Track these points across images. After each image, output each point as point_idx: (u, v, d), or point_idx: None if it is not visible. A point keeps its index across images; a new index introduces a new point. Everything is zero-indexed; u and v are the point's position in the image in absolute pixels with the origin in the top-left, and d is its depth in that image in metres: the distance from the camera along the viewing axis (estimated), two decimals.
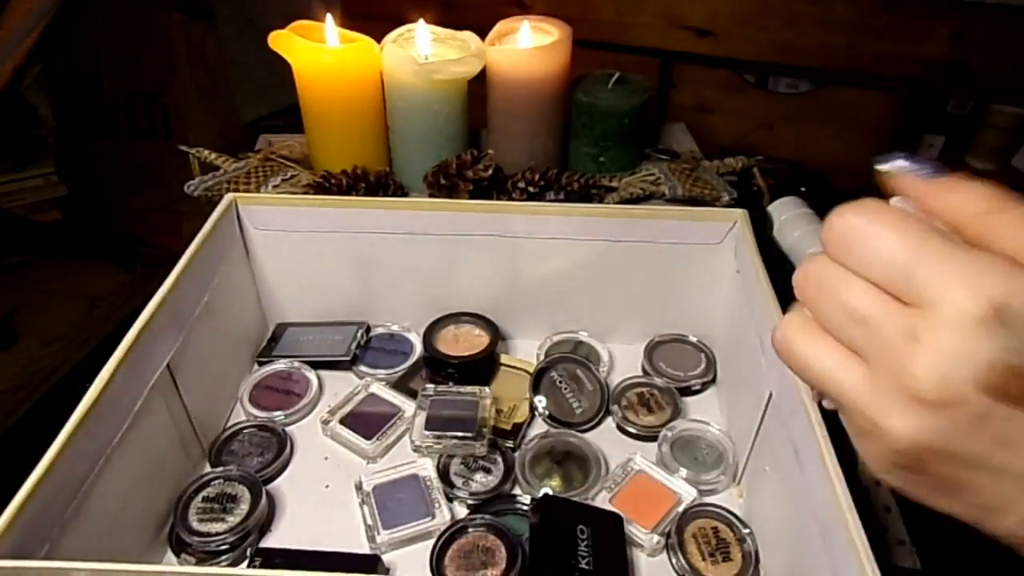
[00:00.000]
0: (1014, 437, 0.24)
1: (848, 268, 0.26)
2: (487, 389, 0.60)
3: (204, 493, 0.52)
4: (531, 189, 0.74)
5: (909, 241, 0.24)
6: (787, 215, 0.87)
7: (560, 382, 0.64)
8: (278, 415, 0.61)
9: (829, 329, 0.27)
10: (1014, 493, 0.24)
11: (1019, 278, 0.23)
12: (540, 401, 0.62)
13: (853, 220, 0.26)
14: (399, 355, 0.68)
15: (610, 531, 0.50)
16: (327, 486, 0.57)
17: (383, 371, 0.66)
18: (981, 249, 0.24)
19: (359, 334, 0.67)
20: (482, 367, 0.64)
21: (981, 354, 0.23)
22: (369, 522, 0.52)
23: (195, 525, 0.50)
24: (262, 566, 0.49)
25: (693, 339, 0.69)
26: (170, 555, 0.51)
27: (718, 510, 0.54)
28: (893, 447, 0.25)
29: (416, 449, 0.57)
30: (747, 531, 0.52)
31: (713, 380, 0.66)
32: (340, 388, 0.64)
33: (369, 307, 0.69)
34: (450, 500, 0.54)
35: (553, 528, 0.49)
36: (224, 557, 0.50)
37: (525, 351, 0.69)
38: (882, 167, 0.28)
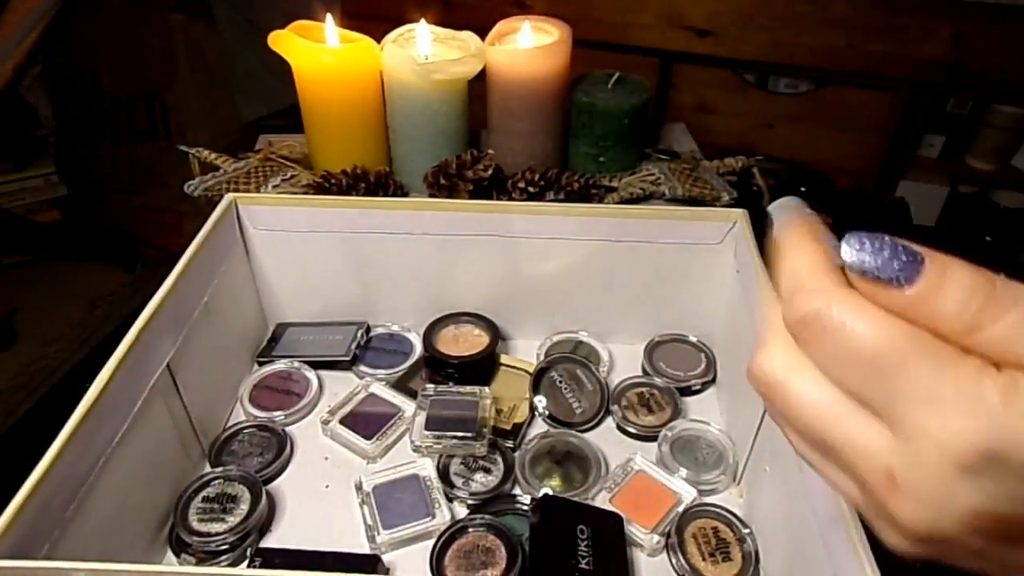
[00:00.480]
0: (1017, 565, 0.22)
1: (811, 368, 0.23)
2: (487, 389, 0.60)
3: (204, 493, 0.52)
4: (531, 189, 0.74)
5: (889, 348, 0.21)
6: (787, 215, 0.86)
7: (560, 382, 0.64)
8: (278, 415, 0.61)
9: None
10: None
11: (1008, 415, 0.20)
12: (540, 401, 0.62)
13: (820, 308, 0.22)
14: (399, 355, 0.68)
15: (610, 531, 0.50)
16: (327, 486, 0.57)
17: (383, 371, 0.66)
18: (974, 367, 0.20)
19: (359, 334, 0.68)
20: (482, 367, 0.64)
21: (964, 502, 0.21)
22: (369, 522, 0.52)
23: (195, 525, 0.50)
24: (262, 566, 0.49)
25: (693, 339, 0.69)
26: (170, 555, 0.51)
27: (718, 510, 0.54)
28: (899, 549, 0.23)
29: (416, 449, 0.57)
30: (747, 531, 0.52)
31: (713, 380, 0.66)
32: (340, 388, 0.64)
33: (369, 307, 0.69)
34: (450, 500, 0.54)
35: (553, 528, 0.49)
36: (224, 557, 0.50)
37: (525, 351, 0.69)
38: (847, 259, 0.22)
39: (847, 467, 0.23)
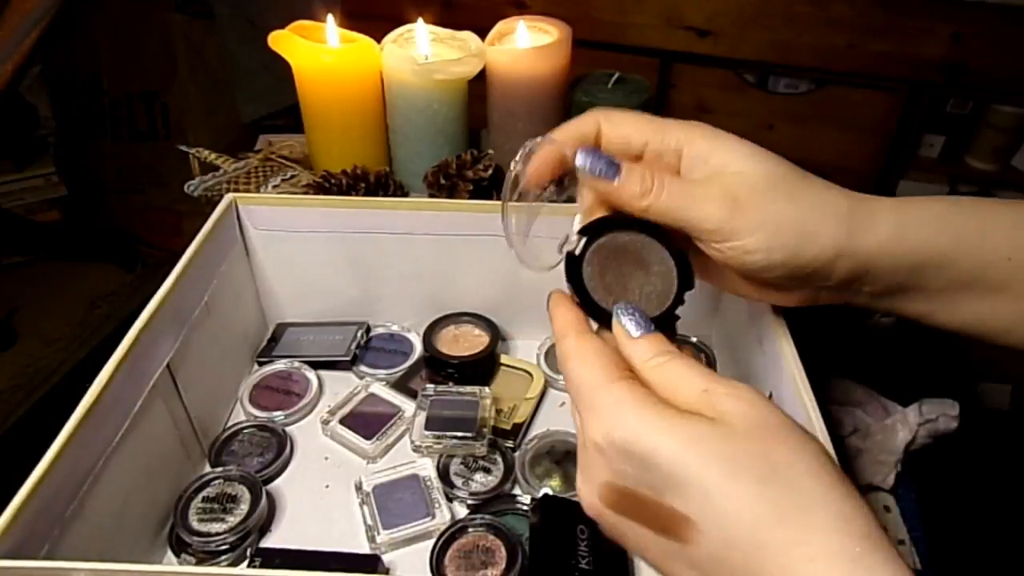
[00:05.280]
0: (640, 544, 0.31)
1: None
2: (487, 389, 0.60)
3: (204, 493, 0.52)
4: None
5: (577, 378, 0.33)
6: None
7: None
8: (278, 415, 0.61)
9: None
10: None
11: (623, 418, 0.30)
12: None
13: (559, 350, 0.35)
14: (399, 355, 0.68)
15: None
16: (327, 486, 0.57)
17: (383, 371, 0.66)
18: (621, 392, 0.31)
19: (359, 334, 0.67)
20: (482, 367, 0.64)
21: (599, 476, 0.31)
22: (369, 522, 0.52)
23: (195, 525, 0.50)
24: (262, 566, 0.49)
25: (693, 339, 0.69)
26: (170, 555, 0.51)
27: None
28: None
29: (416, 449, 0.57)
30: None
31: None
32: (340, 388, 0.64)
33: (369, 307, 0.69)
34: (450, 500, 0.54)
35: (553, 528, 0.49)
36: (224, 557, 0.50)
37: (525, 351, 0.69)
38: (579, 165, 0.37)
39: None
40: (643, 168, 0.36)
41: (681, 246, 0.39)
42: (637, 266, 0.39)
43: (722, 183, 0.37)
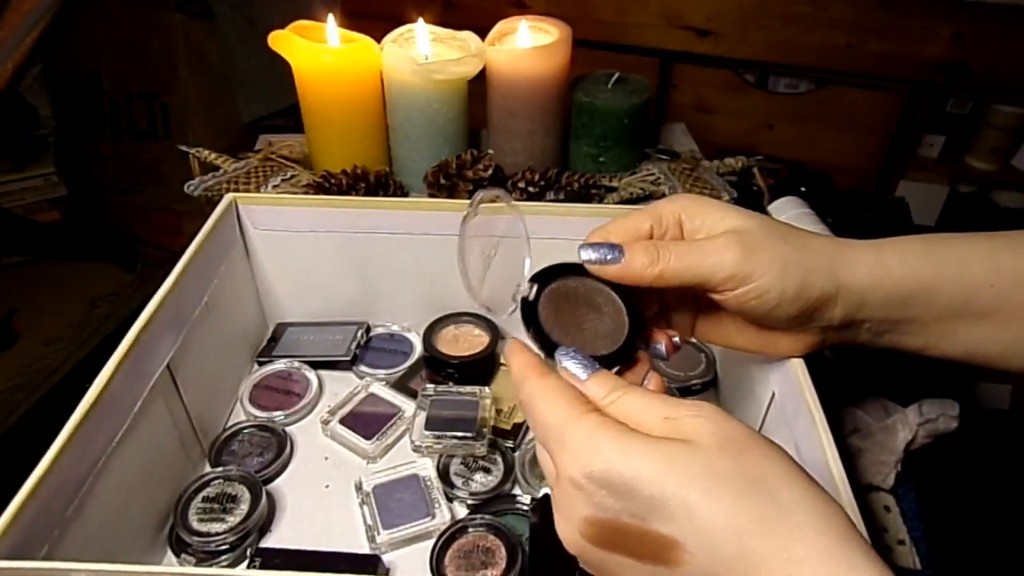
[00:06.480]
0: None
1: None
2: (487, 389, 0.60)
3: (204, 493, 0.52)
4: (531, 189, 0.74)
5: (544, 418, 0.33)
6: (787, 215, 0.87)
7: None
8: (278, 415, 0.61)
9: None
10: None
11: (599, 449, 0.30)
12: None
13: (521, 394, 0.35)
14: (399, 355, 0.68)
15: None
16: (327, 486, 0.57)
17: (383, 371, 0.66)
18: (592, 424, 0.31)
19: (359, 334, 0.68)
20: (482, 367, 0.64)
21: (579, 512, 0.31)
22: (369, 522, 0.52)
23: (195, 525, 0.50)
24: (262, 566, 0.49)
25: (693, 339, 0.69)
26: (170, 555, 0.51)
27: None
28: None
29: (416, 449, 0.57)
30: None
31: (713, 380, 0.66)
32: (340, 388, 0.64)
33: (369, 307, 0.69)
34: (450, 500, 0.54)
35: (553, 528, 0.49)
36: (224, 557, 0.50)
37: None
38: (584, 257, 0.39)
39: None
40: (644, 242, 0.39)
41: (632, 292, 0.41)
42: (589, 307, 0.41)
43: (728, 234, 0.39)
